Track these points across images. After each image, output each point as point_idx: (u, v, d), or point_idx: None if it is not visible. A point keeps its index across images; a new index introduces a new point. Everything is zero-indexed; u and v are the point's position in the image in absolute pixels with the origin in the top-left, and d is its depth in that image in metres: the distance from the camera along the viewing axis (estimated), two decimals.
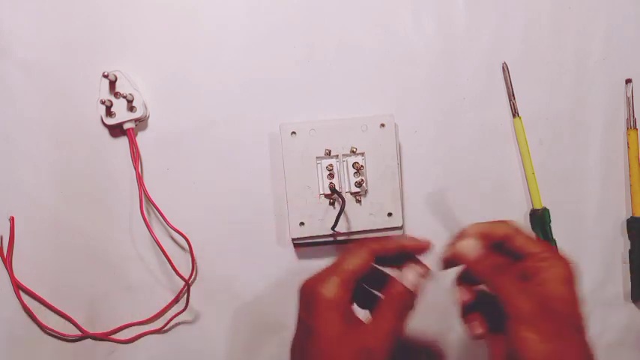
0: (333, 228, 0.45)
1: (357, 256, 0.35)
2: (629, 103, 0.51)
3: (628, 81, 0.51)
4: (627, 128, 0.51)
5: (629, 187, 0.52)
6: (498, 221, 0.36)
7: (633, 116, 0.51)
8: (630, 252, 0.51)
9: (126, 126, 0.49)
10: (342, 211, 0.45)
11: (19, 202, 0.50)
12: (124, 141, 0.50)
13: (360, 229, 0.48)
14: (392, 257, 0.37)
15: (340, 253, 0.36)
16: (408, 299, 0.35)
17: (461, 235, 0.36)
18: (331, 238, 0.48)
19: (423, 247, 0.37)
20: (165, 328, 0.51)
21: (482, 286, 0.36)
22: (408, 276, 0.36)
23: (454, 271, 0.38)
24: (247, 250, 0.51)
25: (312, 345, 0.33)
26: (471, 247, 0.35)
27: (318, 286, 0.34)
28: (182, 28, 0.50)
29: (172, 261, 0.49)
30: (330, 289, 0.33)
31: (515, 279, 0.33)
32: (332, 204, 0.48)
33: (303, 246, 0.50)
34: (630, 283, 0.52)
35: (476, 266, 0.34)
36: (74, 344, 0.51)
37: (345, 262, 0.35)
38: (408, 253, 0.37)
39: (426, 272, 0.36)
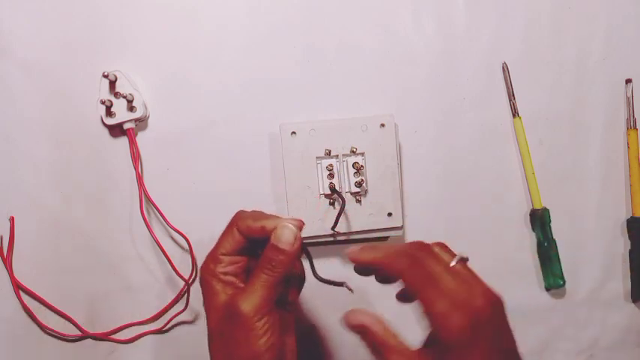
0: (333, 228, 0.45)
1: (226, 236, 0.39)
2: (629, 103, 0.51)
3: (628, 81, 0.51)
4: (627, 128, 0.51)
5: (629, 187, 0.52)
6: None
7: (633, 116, 0.51)
8: (630, 252, 0.52)
9: (126, 126, 0.49)
10: (342, 211, 0.45)
11: (19, 202, 0.50)
12: (124, 141, 0.50)
13: (359, 229, 0.48)
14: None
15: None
16: (281, 259, 0.37)
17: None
18: (331, 238, 0.48)
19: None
20: (165, 328, 0.51)
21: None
22: (282, 236, 0.37)
23: None
24: None
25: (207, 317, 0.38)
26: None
27: (201, 269, 0.39)
28: (182, 28, 0.50)
29: (172, 261, 0.49)
30: (206, 266, 0.38)
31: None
32: (332, 204, 0.48)
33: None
34: (630, 283, 0.52)
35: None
36: (74, 344, 0.51)
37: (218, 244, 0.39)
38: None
39: (300, 224, 0.38)
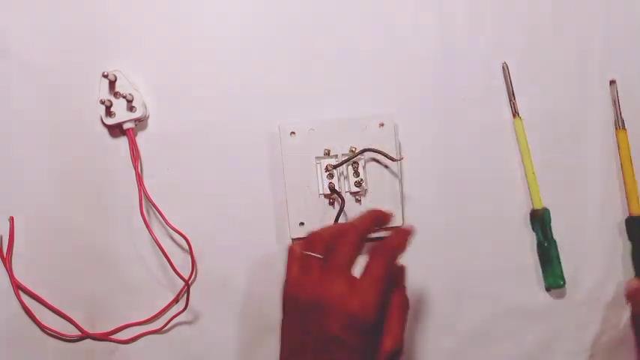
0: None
1: (349, 244, 0.37)
2: (615, 103, 0.51)
3: (612, 82, 0.51)
4: (616, 129, 0.51)
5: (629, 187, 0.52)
6: None
7: (621, 117, 0.51)
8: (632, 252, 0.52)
9: (126, 126, 0.49)
10: (341, 210, 0.45)
11: (19, 202, 0.50)
12: (124, 141, 0.50)
13: None
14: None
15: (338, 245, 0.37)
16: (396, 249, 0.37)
17: None
18: None
19: (389, 215, 0.42)
20: (166, 328, 0.51)
21: None
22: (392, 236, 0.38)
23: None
24: (247, 250, 0.51)
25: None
26: None
27: (347, 303, 0.35)
28: (182, 28, 0.50)
29: (172, 261, 0.49)
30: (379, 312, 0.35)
31: None
32: (332, 204, 0.48)
33: None
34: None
35: None
36: (74, 344, 0.51)
37: (345, 257, 0.36)
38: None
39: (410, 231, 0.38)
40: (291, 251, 0.39)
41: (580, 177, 0.52)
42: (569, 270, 0.51)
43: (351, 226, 0.39)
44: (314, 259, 0.37)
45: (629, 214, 0.51)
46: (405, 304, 0.37)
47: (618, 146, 0.51)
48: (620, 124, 0.51)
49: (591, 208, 0.52)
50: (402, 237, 0.38)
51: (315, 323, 0.35)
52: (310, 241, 0.38)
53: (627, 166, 0.51)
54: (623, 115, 0.51)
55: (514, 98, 0.51)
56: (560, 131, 0.52)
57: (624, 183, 0.51)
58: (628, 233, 0.51)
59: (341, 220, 0.47)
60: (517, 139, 0.51)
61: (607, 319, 0.52)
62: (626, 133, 0.51)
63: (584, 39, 0.52)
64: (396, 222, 0.48)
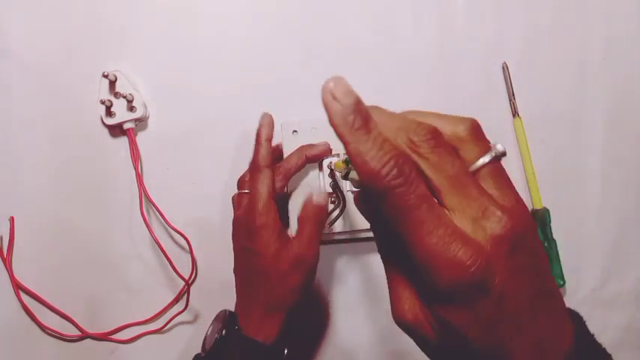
0: (331, 224, 0.45)
1: (266, 179, 0.42)
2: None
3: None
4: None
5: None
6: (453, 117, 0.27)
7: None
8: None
9: (126, 126, 0.49)
10: (343, 209, 0.45)
11: (19, 202, 0.50)
12: (124, 141, 0.50)
13: (359, 228, 0.48)
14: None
15: (250, 179, 0.43)
16: (320, 213, 0.42)
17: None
18: (332, 237, 0.48)
19: (325, 151, 0.46)
20: (165, 328, 0.51)
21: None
22: (313, 197, 0.42)
23: None
24: None
25: (257, 264, 0.41)
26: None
27: (252, 215, 0.42)
28: (182, 29, 0.50)
29: (172, 261, 0.49)
30: (263, 216, 0.41)
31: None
32: (333, 202, 0.48)
33: None
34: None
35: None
36: (74, 344, 0.51)
37: (259, 185, 0.42)
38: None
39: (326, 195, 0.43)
40: (232, 200, 0.45)
41: (580, 177, 0.52)
42: (569, 270, 0.51)
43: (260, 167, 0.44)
44: (243, 195, 0.44)
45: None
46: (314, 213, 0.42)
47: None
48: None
49: (591, 208, 0.52)
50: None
51: (242, 238, 0.43)
52: (237, 183, 0.46)
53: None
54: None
55: (514, 98, 0.51)
56: (560, 131, 0.52)
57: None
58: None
59: (341, 219, 0.47)
60: (517, 139, 0.51)
61: (607, 319, 0.52)
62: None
63: (584, 39, 0.52)
64: None
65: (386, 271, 0.26)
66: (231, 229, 0.44)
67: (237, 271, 0.45)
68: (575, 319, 0.25)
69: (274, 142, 0.45)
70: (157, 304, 0.51)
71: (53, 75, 0.50)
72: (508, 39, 0.52)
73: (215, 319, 0.43)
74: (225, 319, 0.42)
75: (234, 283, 0.44)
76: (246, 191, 0.44)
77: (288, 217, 0.46)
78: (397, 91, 0.51)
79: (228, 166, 0.50)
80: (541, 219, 0.50)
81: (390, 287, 0.25)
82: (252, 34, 0.51)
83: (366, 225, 0.48)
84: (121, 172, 0.50)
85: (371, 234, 0.48)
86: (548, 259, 0.50)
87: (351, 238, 0.49)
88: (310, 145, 0.46)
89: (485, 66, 0.52)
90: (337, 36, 0.51)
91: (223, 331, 0.40)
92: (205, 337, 0.42)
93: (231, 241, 0.44)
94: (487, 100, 0.52)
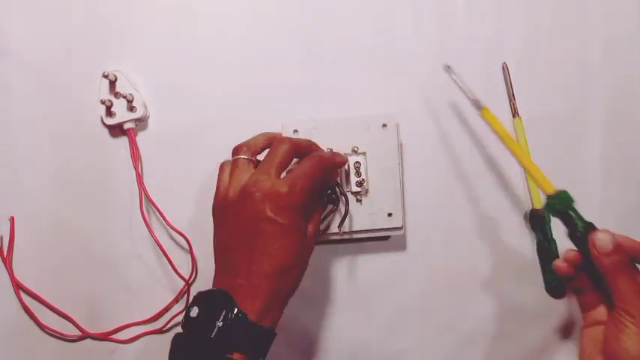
0: (339, 226, 0.46)
1: (283, 149, 0.40)
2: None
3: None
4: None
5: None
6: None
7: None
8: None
9: (126, 126, 0.49)
10: (347, 210, 0.45)
11: (19, 202, 0.50)
12: (124, 141, 0.50)
13: (360, 229, 0.48)
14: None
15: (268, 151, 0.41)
16: (328, 159, 0.42)
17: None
18: (332, 237, 0.48)
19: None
20: (165, 328, 0.51)
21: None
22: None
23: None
24: None
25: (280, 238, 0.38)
26: (607, 239, 0.38)
27: (276, 187, 0.38)
28: (182, 28, 0.50)
29: (172, 261, 0.49)
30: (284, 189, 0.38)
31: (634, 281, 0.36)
32: (335, 203, 0.48)
33: None
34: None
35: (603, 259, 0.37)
36: (74, 344, 0.51)
37: (277, 158, 0.40)
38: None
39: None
40: (220, 165, 0.43)
41: (580, 177, 0.52)
42: None
43: (285, 137, 0.43)
44: (241, 161, 0.41)
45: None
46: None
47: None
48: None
49: (591, 208, 0.52)
50: (336, 156, 0.44)
51: (247, 212, 0.38)
52: (238, 147, 0.43)
53: (527, 157, 0.50)
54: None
55: (514, 98, 0.51)
56: (560, 131, 0.52)
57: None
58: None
59: (340, 221, 0.47)
60: (517, 139, 0.51)
61: None
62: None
63: (584, 39, 0.52)
64: (397, 222, 0.48)
65: None
66: None
67: (237, 243, 0.39)
68: None
69: None
70: (157, 304, 0.51)
71: (53, 75, 0.50)
72: (508, 39, 0.52)
73: (201, 299, 0.38)
74: (222, 302, 0.36)
75: None
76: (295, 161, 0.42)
77: None
78: (397, 91, 0.51)
79: None
80: (541, 219, 0.50)
81: None
82: (252, 34, 0.51)
83: (365, 225, 0.48)
84: (121, 172, 0.50)
85: (370, 234, 0.49)
86: (549, 260, 0.50)
87: (351, 238, 0.49)
88: (338, 154, 0.45)
89: (485, 66, 0.52)
90: (337, 36, 0.51)
91: (229, 319, 0.35)
92: (189, 318, 0.37)
93: None
94: (487, 100, 0.51)
